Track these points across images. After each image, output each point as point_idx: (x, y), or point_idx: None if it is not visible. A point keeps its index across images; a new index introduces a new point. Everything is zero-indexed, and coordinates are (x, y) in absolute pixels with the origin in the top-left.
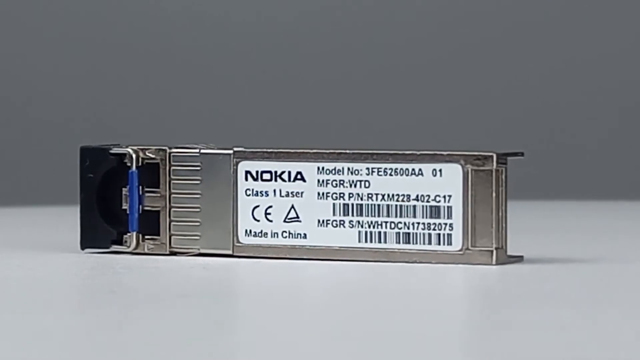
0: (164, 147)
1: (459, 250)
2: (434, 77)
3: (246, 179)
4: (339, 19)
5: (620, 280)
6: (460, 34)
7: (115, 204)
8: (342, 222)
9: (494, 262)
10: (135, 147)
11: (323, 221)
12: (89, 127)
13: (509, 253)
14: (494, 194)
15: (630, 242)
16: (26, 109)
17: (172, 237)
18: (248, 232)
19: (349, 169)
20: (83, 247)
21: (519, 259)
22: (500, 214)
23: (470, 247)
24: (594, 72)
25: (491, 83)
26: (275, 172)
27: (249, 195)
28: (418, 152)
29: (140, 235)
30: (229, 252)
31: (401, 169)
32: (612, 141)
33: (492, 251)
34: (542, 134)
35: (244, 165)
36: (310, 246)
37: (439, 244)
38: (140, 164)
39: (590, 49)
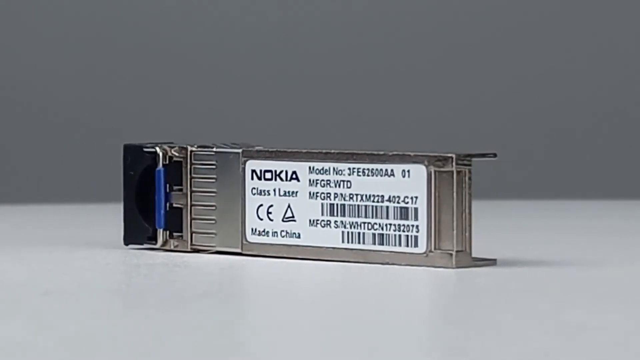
0: (185, 146)
1: (424, 253)
2: (435, 77)
3: (252, 178)
4: (339, 19)
5: (577, 285)
6: (459, 34)
7: (150, 201)
8: (328, 222)
9: (453, 265)
10: (165, 146)
11: (313, 221)
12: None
13: (480, 256)
14: (454, 196)
15: (612, 246)
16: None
17: (193, 235)
18: (254, 230)
19: (334, 169)
20: (126, 242)
21: (489, 262)
22: (463, 216)
23: (432, 250)
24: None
25: (489, 83)
26: (275, 171)
27: (254, 194)
28: (390, 153)
29: (168, 233)
30: (239, 250)
31: (376, 169)
32: (593, 141)
33: (451, 254)
34: (545, 132)
35: (250, 165)
36: (303, 246)
37: (407, 245)
38: (167, 162)
39: (581, 49)
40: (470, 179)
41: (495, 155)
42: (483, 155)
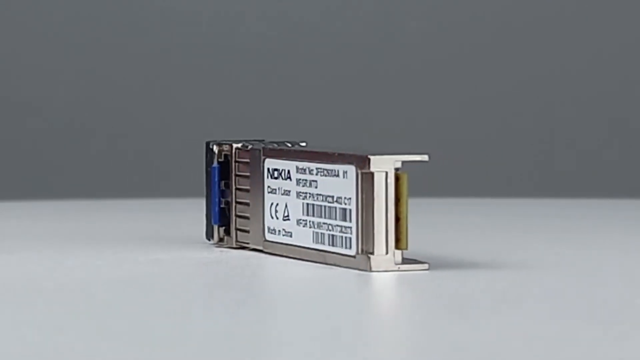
0: (230, 143)
1: (354, 256)
2: (438, 76)
3: (267, 176)
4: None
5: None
6: (457, 34)
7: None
8: (305, 222)
9: (371, 268)
10: (226, 143)
11: (298, 220)
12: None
13: (410, 258)
14: (374, 198)
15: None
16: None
17: (237, 231)
18: (270, 229)
19: (309, 169)
20: (207, 237)
21: (419, 265)
22: (386, 219)
23: (359, 252)
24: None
25: (489, 84)
26: (279, 170)
27: (269, 192)
28: (336, 153)
29: (222, 229)
30: (261, 247)
31: (328, 169)
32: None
33: (369, 257)
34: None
35: (267, 163)
36: (293, 245)
37: (345, 247)
38: (222, 159)
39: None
40: (394, 180)
41: (427, 155)
42: (410, 154)
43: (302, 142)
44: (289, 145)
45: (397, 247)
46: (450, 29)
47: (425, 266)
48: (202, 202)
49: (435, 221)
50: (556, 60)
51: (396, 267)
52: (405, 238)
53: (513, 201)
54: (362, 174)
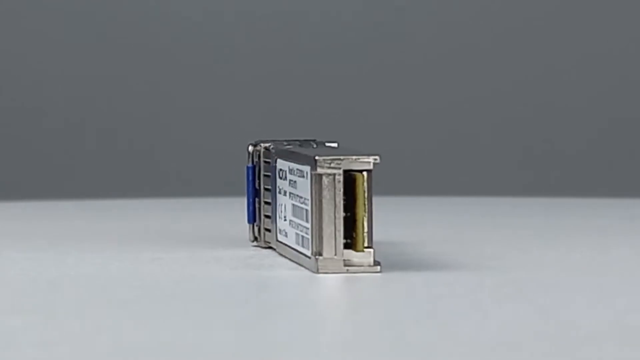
0: (258, 142)
1: (309, 256)
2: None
3: (278, 177)
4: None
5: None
6: (456, 34)
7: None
8: (292, 223)
9: (316, 270)
10: (261, 143)
11: (290, 222)
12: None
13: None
14: (321, 200)
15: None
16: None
17: (266, 231)
18: (280, 230)
19: (292, 169)
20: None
21: (368, 267)
22: (334, 220)
23: (312, 254)
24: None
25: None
26: (283, 170)
27: (279, 193)
28: (303, 154)
29: (257, 228)
30: (275, 247)
31: (300, 170)
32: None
33: (316, 259)
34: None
35: (278, 164)
36: (288, 245)
37: (305, 248)
38: (257, 159)
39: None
40: (342, 181)
41: (378, 156)
42: (355, 154)
43: (334, 142)
44: (314, 145)
45: (354, 248)
46: (449, 28)
47: (377, 268)
48: None
49: (429, 219)
50: (555, 59)
51: (344, 270)
52: (361, 240)
53: (498, 200)
54: (313, 175)
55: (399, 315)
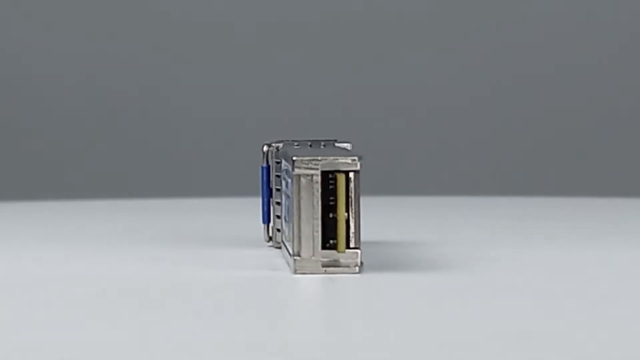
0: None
1: (291, 257)
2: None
3: (283, 177)
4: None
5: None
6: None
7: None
8: (286, 223)
9: (293, 271)
10: (276, 143)
11: (286, 221)
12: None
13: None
14: (299, 200)
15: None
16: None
17: (277, 231)
18: (282, 229)
19: (284, 169)
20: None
21: (346, 269)
22: (313, 221)
23: (292, 254)
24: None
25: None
26: (284, 170)
27: (283, 193)
28: (290, 154)
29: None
30: (282, 247)
31: (287, 170)
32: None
33: (294, 260)
34: None
35: (282, 164)
36: (285, 244)
37: (289, 248)
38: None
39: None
40: (319, 182)
41: (360, 157)
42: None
43: (347, 142)
44: (323, 145)
45: (336, 249)
46: (450, 28)
47: (355, 269)
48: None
49: (429, 219)
50: (555, 60)
51: (322, 270)
52: (342, 240)
53: (499, 200)
54: (293, 176)
55: (343, 315)
